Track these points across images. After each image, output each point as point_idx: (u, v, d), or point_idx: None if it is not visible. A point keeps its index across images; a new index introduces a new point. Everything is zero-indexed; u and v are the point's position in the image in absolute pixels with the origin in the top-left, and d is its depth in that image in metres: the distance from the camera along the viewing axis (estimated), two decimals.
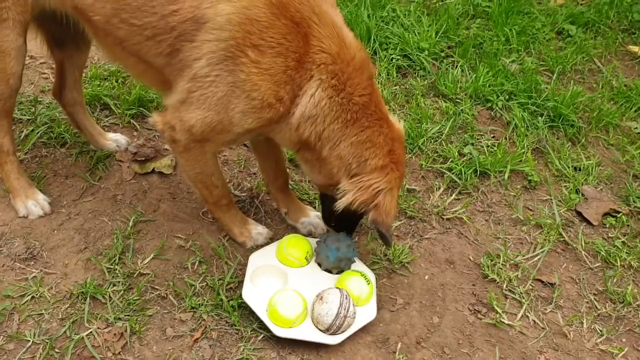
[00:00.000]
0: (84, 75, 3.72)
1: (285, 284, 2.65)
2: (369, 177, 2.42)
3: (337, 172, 2.46)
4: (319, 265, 2.73)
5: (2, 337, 2.41)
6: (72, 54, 3.00)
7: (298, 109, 2.37)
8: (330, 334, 2.47)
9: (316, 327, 2.50)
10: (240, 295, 2.57)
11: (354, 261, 2.76)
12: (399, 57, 4.21)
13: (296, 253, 2.72)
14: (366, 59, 2.41)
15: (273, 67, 2.27)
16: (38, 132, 3.29)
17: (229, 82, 2.30)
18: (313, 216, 2.98)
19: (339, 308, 2.44)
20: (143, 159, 3.23)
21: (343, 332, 2.48)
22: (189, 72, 2.34)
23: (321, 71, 2.32)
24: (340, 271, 2.71)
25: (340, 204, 2.44)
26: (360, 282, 2.62)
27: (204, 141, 2.46)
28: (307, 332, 2.48)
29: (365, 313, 2.58)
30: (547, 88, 4.09)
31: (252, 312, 2.54)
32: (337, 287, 2.57)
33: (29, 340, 2.40)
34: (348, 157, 2.42)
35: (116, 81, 3.71)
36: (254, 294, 2.56)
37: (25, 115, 3.42)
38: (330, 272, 2.72)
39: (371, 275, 2.74)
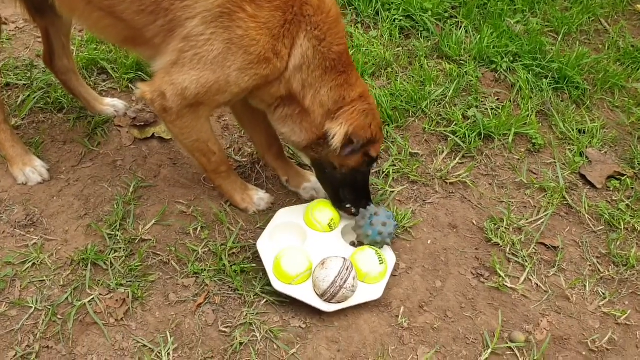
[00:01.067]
0: (80, 38, 3.66)
1: (302, 243, 2.64)
2: (352, 106, 2.50)
3: (320, 120, 2.52)
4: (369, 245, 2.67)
5: (4, 303, 2.41)
6: (54, 21, 2.88)
7: (291, 61, 2.40)
8: (325, 300, 2.47)
9: (314, 290, 2.49)
10: (243, 260, 2.56)
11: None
12: (401, 17, 4.12)
13: (321, 218, 2.71)
14: (339, 12, 2.49)
15: (271, 20, 2.27)
16: (35, 98, 3.24)
17: (225, 39, 2.25)
18: (314, 181, 2.94)
19: (336, 277, 2.43)
20: (142, 124, 3.19)
21: (338, 302, 2.46)
22: (181, 32, 2.27)
23: (307, 22, 2.36)
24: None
25: (336, 141, 2.48)
26: (373, 259, 2.57)
27: (197, 105, 2.41)
28: (303, 293, 2.47)
29: (371, 291, 2.54)
30: (552, 49, 4.01)
31: (255, 276, 2.53)
32: (343, 257, 2.54)
33: (32, 307, 2.40)
34: (328, 102, 2.50)
35: (113, 44, 3.64)
36: (267, 245, 2.57)
37: (21, 80, 3.36)
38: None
39: (390, 258, 2.68)
